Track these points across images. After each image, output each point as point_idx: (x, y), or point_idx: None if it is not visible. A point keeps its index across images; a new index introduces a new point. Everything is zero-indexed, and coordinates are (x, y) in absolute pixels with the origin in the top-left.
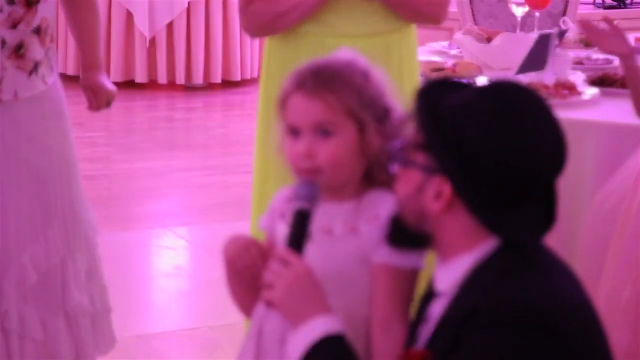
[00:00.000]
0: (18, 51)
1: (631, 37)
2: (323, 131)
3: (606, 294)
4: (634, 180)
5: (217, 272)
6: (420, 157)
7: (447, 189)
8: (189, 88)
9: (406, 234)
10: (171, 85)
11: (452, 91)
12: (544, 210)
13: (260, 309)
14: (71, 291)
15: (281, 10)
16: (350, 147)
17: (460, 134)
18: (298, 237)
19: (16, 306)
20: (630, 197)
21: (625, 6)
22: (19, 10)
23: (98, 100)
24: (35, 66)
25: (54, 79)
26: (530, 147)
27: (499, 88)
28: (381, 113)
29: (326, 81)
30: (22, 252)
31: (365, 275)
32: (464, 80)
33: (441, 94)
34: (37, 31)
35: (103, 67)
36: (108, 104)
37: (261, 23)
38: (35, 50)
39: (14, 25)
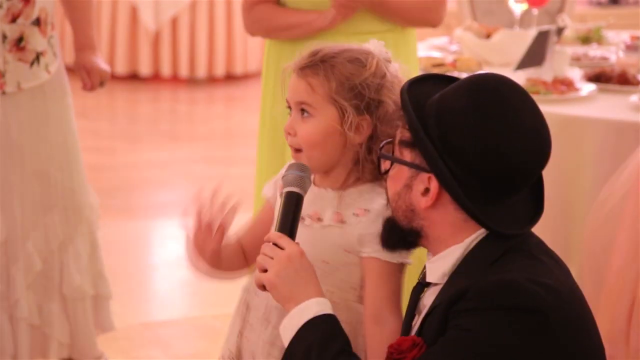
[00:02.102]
0: (19, 44)
1: (626, 35)
2: (304, 111)
3: (611, 290)
4: (636, 179)
5: None
6: (408, 154)
7: (434, 185)
8: (193, 81)
9: (398, 236)
10: (175, 78)
11: (438, 86)
12: (532, 202)
13: (249, 284)
14: (71, 275)
15: (283, 24)
16: (328, 132)
17: (445, 131)
18: (290, 220)
19: (25, 294)
20: (634, 196)
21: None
22: (18, 4)
23: (92, 79)
24: (37, 57)
25: (57, 67)
26: (514, 142)
27: (483, 83)
28: (370, 104)
29: (314, 65)
30: (26, 240)
31: (350, 264)
32: (449, 75)
33: (427, 90)
34: (37, 22)
35: (97, 48)
36: (102, 84)
37: (262, 30)
38: (37, 42)
39: (13, 20)
